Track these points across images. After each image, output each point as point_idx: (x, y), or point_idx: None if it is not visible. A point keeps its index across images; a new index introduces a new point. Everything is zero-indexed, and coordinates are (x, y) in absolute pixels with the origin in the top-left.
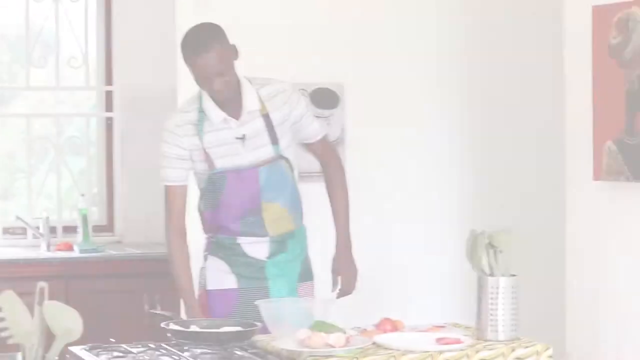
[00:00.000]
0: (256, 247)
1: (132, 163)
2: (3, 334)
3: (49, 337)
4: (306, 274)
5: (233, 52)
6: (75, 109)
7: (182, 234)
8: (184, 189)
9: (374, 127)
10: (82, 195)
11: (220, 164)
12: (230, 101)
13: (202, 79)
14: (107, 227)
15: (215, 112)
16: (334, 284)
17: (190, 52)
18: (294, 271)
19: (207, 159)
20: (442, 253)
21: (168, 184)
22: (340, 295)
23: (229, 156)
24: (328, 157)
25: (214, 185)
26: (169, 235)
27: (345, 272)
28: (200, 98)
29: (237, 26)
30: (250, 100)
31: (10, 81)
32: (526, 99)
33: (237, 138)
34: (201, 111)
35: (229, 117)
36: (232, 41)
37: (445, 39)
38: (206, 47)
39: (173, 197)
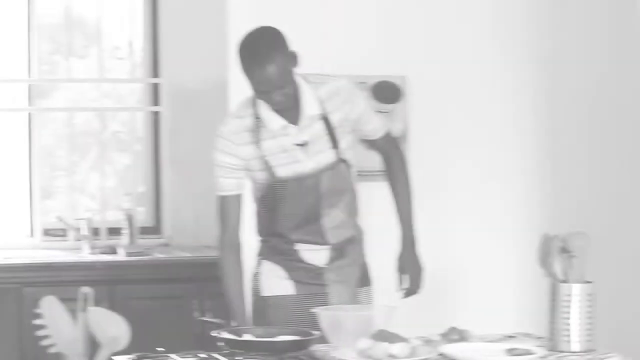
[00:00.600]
0: (315, 255)
1: (181, 160)
2: (44, 343)
3: (93, 345)
4: (365, 279)
5: (293, 60)
6: (118, 102)
7: (236, 249)
8: (239, 198)
9: (439, 122)
10: (128, 194)
11: (281, 172)
12: (288, 108)
13: (260, 92)
14: (154, 228)
15: (273, 120)
16: (400, 283)
17: (249, 63)
18: (353, 276)
19: (267, 167)
20: (512, 258)
21: (222, 193)
22: (406, 295)
23: (289, 164)
24: (391, 152)
25: (274, 194)
26: (221, 250)
27: (411, 271)
28: (255, 103)
29: (295, 17)
30: (309, 105)
31: (50, 72)
32: (602, 97)
33: (297, 144)
34: (257, 117)
35: (289, 124)
36: (289, 36)
37: (516, 33)
38: (266, 59)
39: (227, 208)
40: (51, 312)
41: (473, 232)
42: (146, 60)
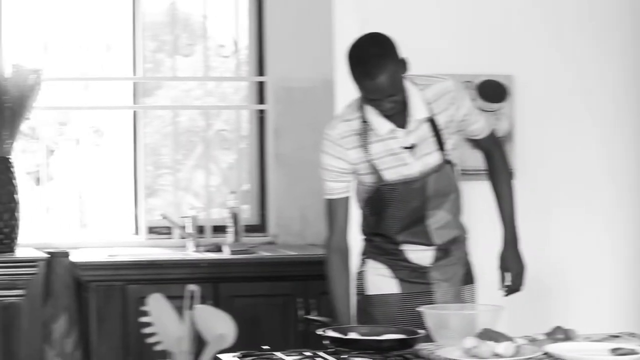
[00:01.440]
0: (420, 255)
1: (286, 158)
2: (150, 340)
3: (199, 343)
4: (469, 277)
5: (403, 67)
6: (222, 100)
7: (343, 252)
8: (346, 200)
9: (546, 123)
10: (233, 192)
11: (388, 175)
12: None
13: (370, 100)
14: (259, 226)
15: (381, 124)
16: (502, 281)
17: (359, 72)
18: (458, 275)
19: (374, 170)
20: (617, 257)
21: (330, 196)
22: (508, 293)
23: (396, 167)
24: (494, 151)
25: (381, 197)
26: (328, 252)
27: (513, 269)
28: (362, 106)
29: (400, 16)
30: (417, 109)
31: (155, 71)
32: None
33: (405, 148)
34: (364, 121)
35: (396, 128)
36: (394, 35)
37: (618, 32)
38: (377, 69)
39: (335, 211)
40: (157, 309)
41: (575, 231)
42: (251, 58)
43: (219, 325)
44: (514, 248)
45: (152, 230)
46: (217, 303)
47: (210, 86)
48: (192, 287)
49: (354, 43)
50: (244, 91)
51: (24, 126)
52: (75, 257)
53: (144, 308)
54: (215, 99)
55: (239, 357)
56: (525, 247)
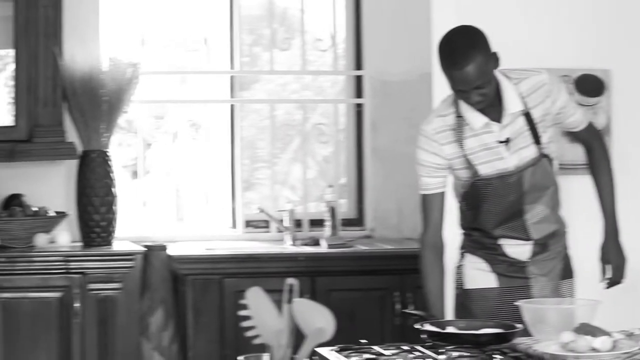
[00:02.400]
0: (518, 250)
1: (383, 152)
2: (249, 334)
3: (297, 337)
4: (568, 272)
5: (493, 61)
6: (318, 94)
7: (438, 247)
8: (442, 196)
9: None
10: (330, 186)
11: (484, 170)
12: (490, 105)
13: (457, 91)
14: (357, 220)
15: (476, 118)
16: (603, 273)
17: (448, 62)
18: (556, 269)
19: (469, 165)
20: None
21: (425, 192)
22: (609, 285)
23: (492, 161)
24: (594, 144)
25: (477, 191)
26: (423, 248)
27: (614, 261)
28: (457, 101)
29: (498, 8)
30: (511, 102)
31: (251, 65)
32: None
33: (500, 142)
34: (459, 116)
35: (491, 122)
36: (491, 29)
37: None
38: (464, 59)
39: (430, 206)
40: (256, 303)
41: None
42: (349, 52)
43: (317, 319)
44: (615, 240)
45: (249, 223)
46: (314, 297)
47: (307, 80)
48: (291, 281)
49: (445, 35)
50: (340, 85)
51: (121, 120)
52: (172, 250)
53: (242, 301)
54: (312, 92)
55: (336, 351)
56: (626, 239)
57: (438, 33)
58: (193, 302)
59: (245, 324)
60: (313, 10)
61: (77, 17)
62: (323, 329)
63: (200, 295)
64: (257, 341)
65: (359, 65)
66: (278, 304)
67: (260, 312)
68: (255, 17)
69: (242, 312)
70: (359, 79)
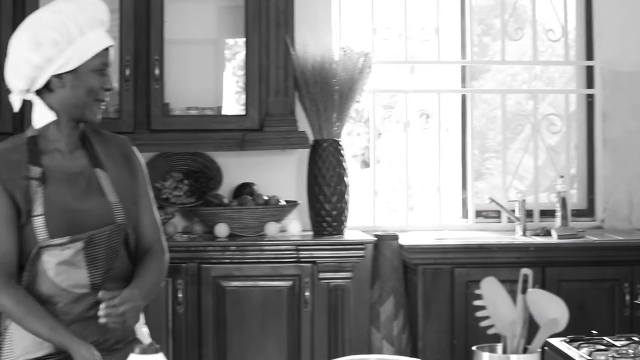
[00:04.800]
0: None
1: (614, 143)
2: (483, 324)
3: (531, 327)
4: None
5: None
6: (548, 84)
7: None
8: None
9: None
10: (561, 176)
11: None
12: None
13: None
14: (587, 211)
15: None
16: None
17: None
18: None
19: None
20: None
21: None
22: None
23: None
24: None
25: None
26: None
27: None
28: None
29: None
30: None
31: (480, 55)
32: None
33: None
34: None
35: None
36: None
37: None
38: None
39: None
40: (491, 293)
41: None
42: (579, 42)
43: (551, 309)
44: None
45: (479, 213)
46: (544, 287)
47: (537, 70)
48: (526, 271)
49: None
50: (569, 75)
51: (352, 109)
52: (403, 240)
53: (477, 291)
54: (541, 82)
55: (566, 342)
56: None
57: None
58: (423, 291)
59: (479, 314)
60: (544, 0)
61: (309, 6)
62: (557, 319)
63: (431, 285)
64: (491, 331)
65: (589, 55)
66: (510, 294)
67: (494, 302)
68: (485, 7)
69: (477, 302)
70: (589, 69)
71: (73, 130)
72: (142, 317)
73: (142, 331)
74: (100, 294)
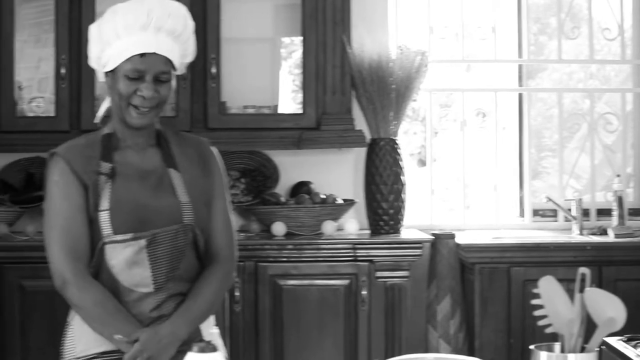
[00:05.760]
0: None
1: None
2: (541, 323)
3: (588, 326)
4: None
5: None
6: (604, 83)
7: None
8: None
9: None
10: (618, 175)
11: None
12: None
13: None
14: None
15: None
16: None
17: None
18: None
19: None
20: None
21: None
22: None
23: None
24: None
25: None
26: None
27: None
28: None
29: None
30: None
31: (537, 54)
32: None
33: None
34: None
35: None
36: None
37: None
38: None
39: None
40: (549, 291)
41: None
42: (635, 41)
43: (609, 308)
44: None
45: (536, 212)
46: (601, 286)
47: (593, 69)
48: (584, 270)
49: None
50: (625, 73)
51: (408, 108)
52: (460, 239)
53: (535, 290)
54: (598, 81)
55: (624, 341)
56: None
57: None
58: (480, 290)
59: (537, 312)
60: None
61: (365, 5)
62: (614, 318)
63: (488, 283)
64: (548, 330)
65: None
66: (570, 293)
67: (552, 301)
68: (542, 6)
69: (534, 301)
70: None
71: (140, 129)
72: (212, 318)
73: (212, 332)
74: (116, 337)
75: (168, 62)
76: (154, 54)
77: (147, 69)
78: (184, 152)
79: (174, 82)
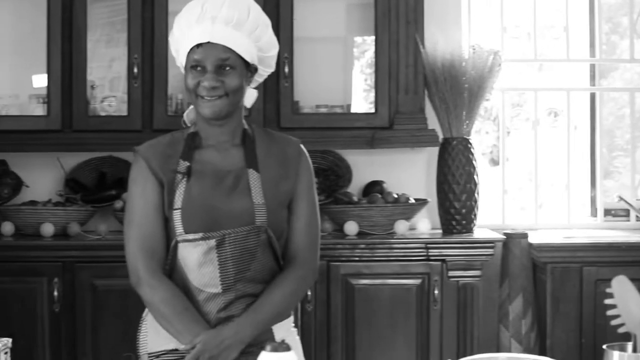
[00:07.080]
0: None
1: None
2: (614, 322)
3: None
4: None
5: None
6: None
7: None
8: None
9: None
10: None
11: None
12: None
13: None
14: None
15: None
16: None
17: None
18: None
19: None
20: None
21: None
22: None
23: None
24: None
25: None
26: None
27: None
28: None
29: None
30: None
31: (609, 53)
32: None
33: None
34: None
35: None
36: None
37: None
38: None
39: None
40: (622, 291)
41: None
42: None
43: None
44: None
45: (608, 212)
46: None
47: None
48: None
49: None
50: None
51: (481, 107)
52: (532, 238)
53: (608, 290)
54: None
55: None
56: None
57: None
58: (552, 290)
59: (610, 312)
60: None
61: (438, 4)
62: None
63: (559, 283)
64: (621, 330)
65: None
66: None
67: (625, 300)
68: (614, 5)
69: (607, 301)
70: None
71: (221, 127)
72: (291, 318)
73: (291, 331)
74: (182, 347)
75: (228, 50)
76: (210, 43)
77: (204, 58)
78: (269, 152)
79: (259, 79)
